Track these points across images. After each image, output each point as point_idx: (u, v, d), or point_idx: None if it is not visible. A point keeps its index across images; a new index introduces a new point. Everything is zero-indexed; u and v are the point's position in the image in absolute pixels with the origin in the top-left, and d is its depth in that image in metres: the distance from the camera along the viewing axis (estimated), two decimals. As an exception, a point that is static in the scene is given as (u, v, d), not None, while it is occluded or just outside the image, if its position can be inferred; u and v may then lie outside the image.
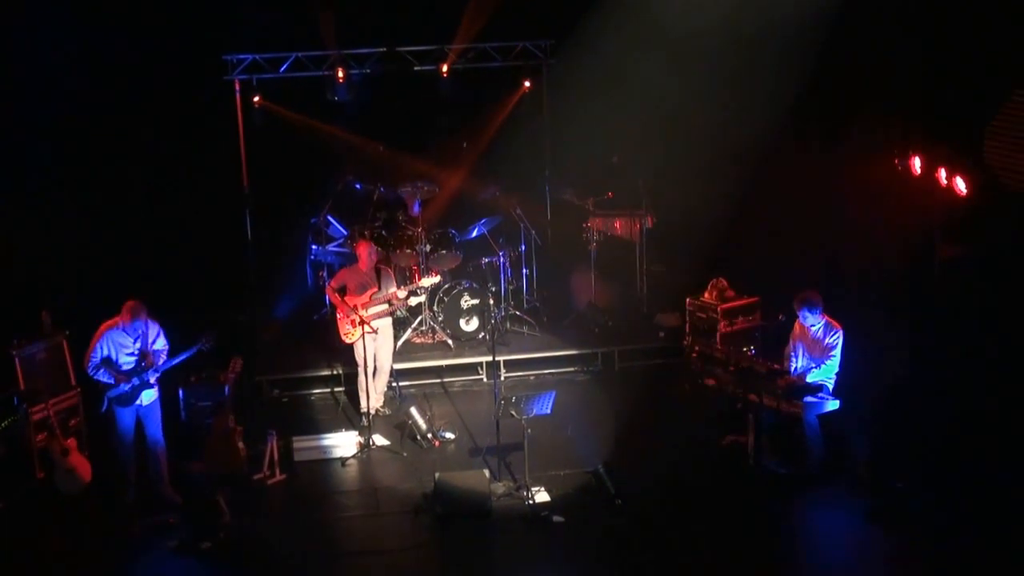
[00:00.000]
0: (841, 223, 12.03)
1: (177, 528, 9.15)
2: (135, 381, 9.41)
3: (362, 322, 10.81)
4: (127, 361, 9.42)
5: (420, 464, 10.31)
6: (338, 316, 11.24)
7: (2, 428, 10.04)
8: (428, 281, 11.70)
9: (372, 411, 11.11)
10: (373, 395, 11.24)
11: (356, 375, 11.30)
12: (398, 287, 11.28)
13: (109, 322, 9.42)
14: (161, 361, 9.53)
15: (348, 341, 11.17)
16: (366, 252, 11.19)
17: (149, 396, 9.57)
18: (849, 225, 11.91)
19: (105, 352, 9.36)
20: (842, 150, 12.03)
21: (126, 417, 9.51)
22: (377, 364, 11.24)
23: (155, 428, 9.65)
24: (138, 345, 9.42)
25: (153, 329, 9.52)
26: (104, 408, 9.55)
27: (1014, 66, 9.64)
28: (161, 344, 9.59)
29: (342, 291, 11.15)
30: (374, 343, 11.09)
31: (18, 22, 12.66)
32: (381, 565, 8.87)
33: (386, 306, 11.21)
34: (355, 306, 10.99)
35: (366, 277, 11.18)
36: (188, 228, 13.65)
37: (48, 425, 9.99)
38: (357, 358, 11.13)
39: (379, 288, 11.11)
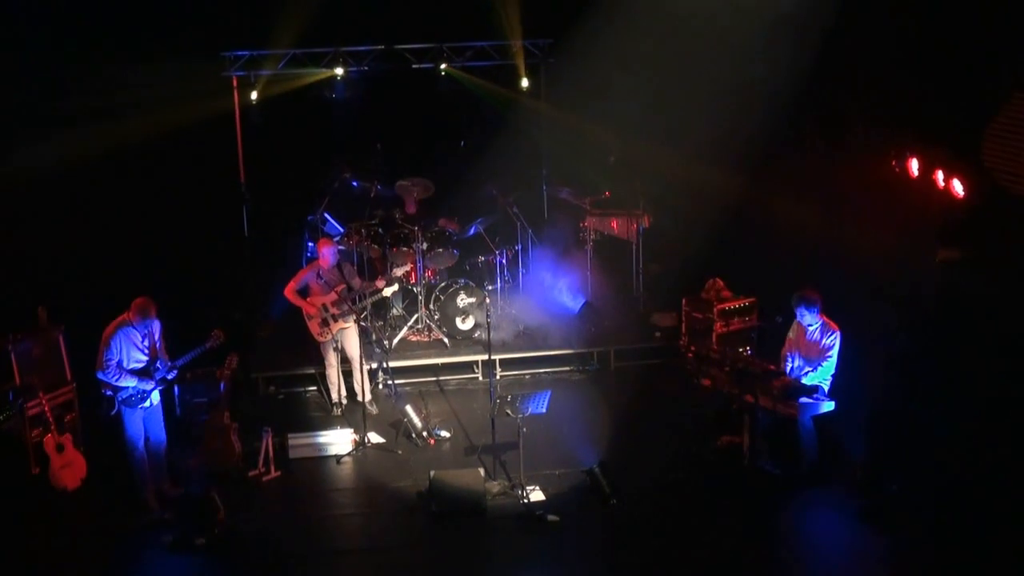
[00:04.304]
0: (838, 224, 12.01)
1: (172, 524, 9.12)
2: (157, 376, 9.26)
3: (335, 320, 10.96)
4: (139, 359, 9.22)
5: (415, 462, 10.30)
6: (306, 316, 11.28)
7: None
8: (399, 270, 12.13)
9: (364, 405, 11.16)
10: (358, 389, 11.31)
11: (350, 372, 11.37)
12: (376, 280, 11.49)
13: (118, 320, 9.15)
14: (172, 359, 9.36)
15: (323, 339, 11.28)
16: (329, 251, 11.25)
17: (154, 397, 9.45)
18: (846, 226, 11.89)
19: (119, 351, 9.12)
20: (839, 151, 12.02)
21: (134, 422, 9.31)
22: (348, 356, 11.30)
23: (159, 429, 9.55)
24: (146, 343, 9.26)
25: (155, 325, 9.33)
26: (114, 411, 9.29)
27: (1013, 67, 9.63)
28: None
29: (305, 291, 11.19)
30: (336, 337, 11.16)
31: (14, 13, 12.64)
32: (375, 563, 8.87)
33: (346, 307, 11.23)
34: (324, 305, 11.11)
35: (331, 276, 11.24)
36: (185, 224, 13.62)
37: (43, 420, 9.97)
38: (324, 356, 11.27)
39: (347, 286, 11.18)
